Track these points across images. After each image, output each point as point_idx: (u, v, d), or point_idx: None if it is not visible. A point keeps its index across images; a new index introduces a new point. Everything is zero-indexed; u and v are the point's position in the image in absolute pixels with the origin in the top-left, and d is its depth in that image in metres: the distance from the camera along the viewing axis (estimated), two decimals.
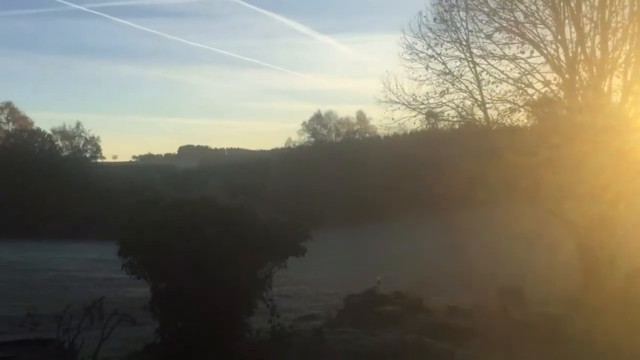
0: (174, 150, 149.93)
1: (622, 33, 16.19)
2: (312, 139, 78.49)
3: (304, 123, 79.62)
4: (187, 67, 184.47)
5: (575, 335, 12.04)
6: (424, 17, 18.52)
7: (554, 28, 17.02)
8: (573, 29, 16.76)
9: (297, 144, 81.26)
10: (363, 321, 14.02)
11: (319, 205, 45.78)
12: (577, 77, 16.89)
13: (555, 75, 17.36)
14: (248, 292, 11.36)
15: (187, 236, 10.43)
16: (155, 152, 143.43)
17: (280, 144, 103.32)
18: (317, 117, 78.81)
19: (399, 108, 18.85)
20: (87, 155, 77.84)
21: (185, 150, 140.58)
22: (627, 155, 15.07)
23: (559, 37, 16.94)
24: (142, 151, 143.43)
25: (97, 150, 78.55)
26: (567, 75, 17.00)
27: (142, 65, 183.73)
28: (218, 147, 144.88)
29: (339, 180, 47.58)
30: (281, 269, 11.73)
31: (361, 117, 75.62)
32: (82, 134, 77.12)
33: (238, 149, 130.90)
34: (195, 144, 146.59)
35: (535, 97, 17.90)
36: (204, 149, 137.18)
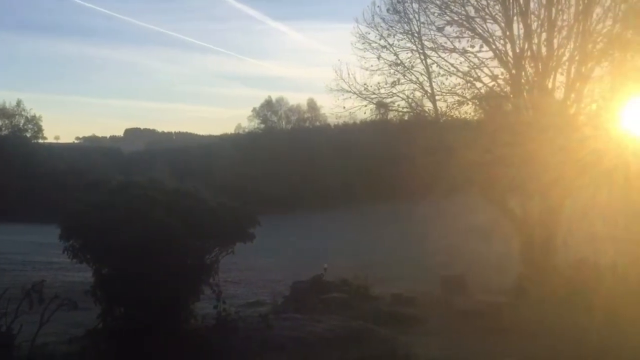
0: (119, 132, 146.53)
1: (567, 31, 16.69)
2: (262, 126, 78.04)
3: (254, 109, 79.07)
4: (137, 49, 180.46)
5: (516, 324, 12.43)
6: (378, 7, 18.68)
7: (503, 24, 17.39)
8: (521, 26, 17.17)
9: (246, 130, 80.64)
10: (309, 308, 14.11)
11: (268, 192, 45.63)
12: (523, 73, 17.33)
13: (502, 70, 17.80)
14: (195, 278, 11.23)
15: (132, 220, 10.20)
16: (100, 134, 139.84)
17: (230, 129, 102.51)
18: (268, 104, 78.37)
19: (350, 97, 19.03)
20: (28, 135, 75.05)
21: (132, 133, 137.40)
22: (572, 151, 15.56)
23: (508, 33, 17.33)
24: (87, 133, 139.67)
25: (39, 130, 75.84)
26: (513, 71, 17.43)
27: (90, 44, 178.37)
28: (166, 130, 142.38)
29: (288, 167, 47.51)
30: (229, 255, 11.65)
31: (312, 105, 75.62)
32: (22, 112, 74.38)
33: (187, 133, 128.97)
34: (143, 127, 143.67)
35: (482, 90, 18.31)
36: (152, 132, 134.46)
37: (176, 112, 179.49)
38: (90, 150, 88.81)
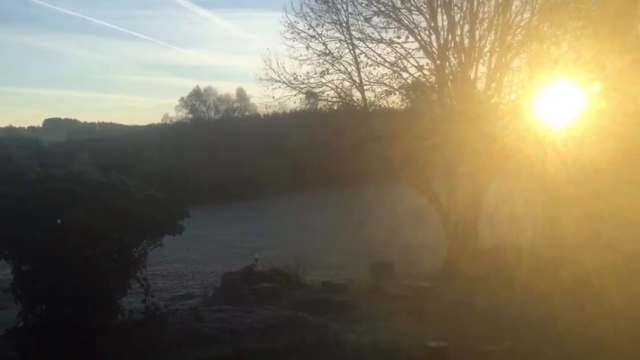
0: (38, 123, 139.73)
1: (488, 24, 17.24)
2: (190, 116, 76.63)
3: (181, 99, 77.56)
4: (58, 36, 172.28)
5: (441, 306, 12.86)
6: None
7: (427, 15, 17.75)
8: (445, 17, 17.60)
9: (174, 121, 78.96)
10: (240, 299, 14.07)
11: (197, 183, 44.90)
12: (447, 64, 17.80)
13: (427, 60, 18.20)
14: (122, 272, 10.96)
15: (53, 214, 9.81)
16: (17, 125, 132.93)
17: (157, 120, 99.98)
18: (196, 93, 77.06)
19: (279, 87, 18.91)
20: None
21: (52, 124, 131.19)
22: (494, 139, 16.14)
23: (432, 25, 17.72)
24: (3, 123, 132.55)
25: None
26: (438, 61, 17.86)
27: (6, 31, 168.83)
28: (89, 121, 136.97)
29: (217, 157, 46.85)
30: (157, 248, 11.42)
31: (241, 94, 74.84)
32: None
33: (111, 123, 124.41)
34: (63, 117, 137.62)
35: (409, 81, 18.69)
36: (73, 123, 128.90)
37: (99, 101, 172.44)
38: (7, 141, 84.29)
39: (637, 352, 9.02)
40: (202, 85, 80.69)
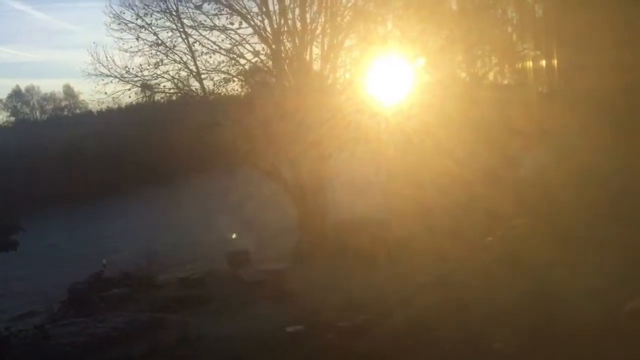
0: None
1: (317, 6, 17.66)
2: (13, 118, 70.01)
3: (0, 101, 70.49)
4: None
5: (295, 286, 13.13)
6: None
7: (258, 0, 17.75)
8: (276, 2, 17.72)
9: None
10: (90, 309, 13.33)
11: (28, 192, 41.17)
12: (282, 47, 17.99)
13: (263, 45, 18.24)
14: None
15: None
16: None
17: None
18: (17, 94, 70.31)
19: (111, 81, 17.98)
20: None
21: None
22: (334, 117, 16.62)
23: (264, 9, 17.76)
24: None
25: None
26: (273, 46, 17.97)
27: None
28: None
29: (48, 161, 43.21)
30: None
31: (69, 91, 69.56)
32: None
33: None
34: None
35: (247, 67, 18.62)
36: None
37: None
38: None
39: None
40: (23, 85, 73.79)
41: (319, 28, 17.79)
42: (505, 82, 18.93)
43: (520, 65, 17.94)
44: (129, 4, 17.71)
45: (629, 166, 7.23)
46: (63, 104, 69.87)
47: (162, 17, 17.87)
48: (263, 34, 17.95)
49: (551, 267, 7.30)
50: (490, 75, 18.77)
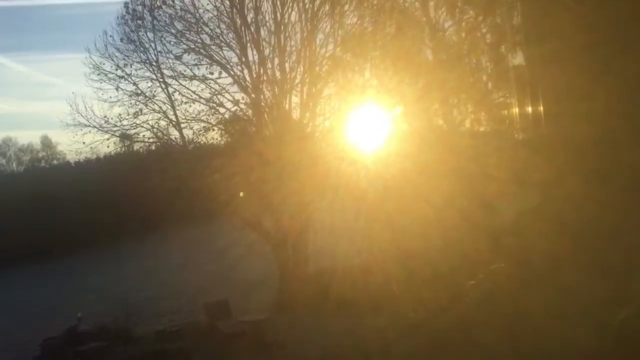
0: None
1: (296, 56, 17.96)
2: None
3: None
4: None
5: (276, 337, 12.89)
6: (110, 36, 18.03)
7: (238, 51, 18.02)
8: (255, 52, 18.00)
9: None
10: None
11: (6, 242, 40.23)
12: (262, 96, 18.16)
13: (243, 94, 18.41)
14: None
15: None
16: None
17: None
18: None
19: (89, 131, 17.98)
20: None
21: None
22: (312, 165, 16.70)
23: (244, 59, 18.01)
24: None
25: None
26: (253, 95, 18.15)
27: None
28: None
29: (22, 215, 42.26)
30: None
31: (47, 142, 68.99)
32: None
33: None
34: None
35: (226, 115, 18.73)
36: None
37: None
38: None
39: None
40: (0, 136, 73.17)
41: (298, 77, 18.07)
42: (482, 129, 19.32)
43: (496, 113, 18.35)
44: (109, 55, 17.91)
45: (599, 216, 7.36)
46: (40, 154, 69.17)
47: (142, 68, 18.09)
48: (242, 83, 18.16)
49: (527, 312, 7.39)
50: (467, 123, 19.16)
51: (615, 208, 7.12)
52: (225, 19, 17.83)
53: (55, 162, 65.54)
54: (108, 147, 18.78)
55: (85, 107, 17.74)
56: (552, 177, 8.14)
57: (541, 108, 8.93)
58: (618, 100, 7.45)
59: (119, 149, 19.53)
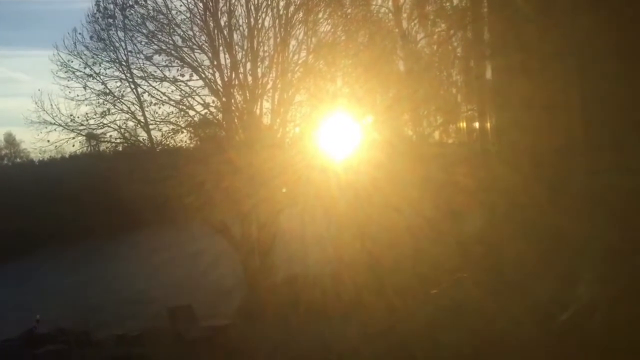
0: None
1: (268, 62, 17.89)
2: None
3: None
4: None
5: (240, 343, 12.78)
6: (80, 34, 17.67)
7: (210, 54, 17.84)
8: (227, 56, 17.85)
9: None
10: None
11: None
12: (232, 100, 18.03)
13: (213, 98, 18.22)
14: None
15: None
16: None
17: None
18: None
19: (55, 129, 17.57)
20: None
21: None
22: (284, 172, 16.65)
23: (215, 63, 17.85)
24: None
25: None
26: (224, 99, 18.00)
27: None
28: None
29: None
30: None
31: (10, 140, 67.47)
32: None
33: None
34: None
35: (196, 118, 18.53)
36: None
37: None
38: None
39: None
40: None
41: (270, 83, 17.98)
42: (450, 140, 19.59)
43: (464, 124, 18.64)
44: (78, 53, 17.58)
45: (560, 222, 7.52)
46: (3, 152, 67.48)
47: (112, 67, 17.76)
48: (214, 86, 17.99)
49: (491, 316, 7.49)
50: (436, 134, 19.41)
51: (571, 215, 7.29)
52: (198, 22, 17.70)
53: (18, 160, 64.07)
54: (73, 146, 18.39)
55: (52, 105, 17.36)
56: (517, 187, 8.29)
57: (507, 118, 9.12)
58: (577, 110, 7.63)
59: (85, 148, 19.16)
